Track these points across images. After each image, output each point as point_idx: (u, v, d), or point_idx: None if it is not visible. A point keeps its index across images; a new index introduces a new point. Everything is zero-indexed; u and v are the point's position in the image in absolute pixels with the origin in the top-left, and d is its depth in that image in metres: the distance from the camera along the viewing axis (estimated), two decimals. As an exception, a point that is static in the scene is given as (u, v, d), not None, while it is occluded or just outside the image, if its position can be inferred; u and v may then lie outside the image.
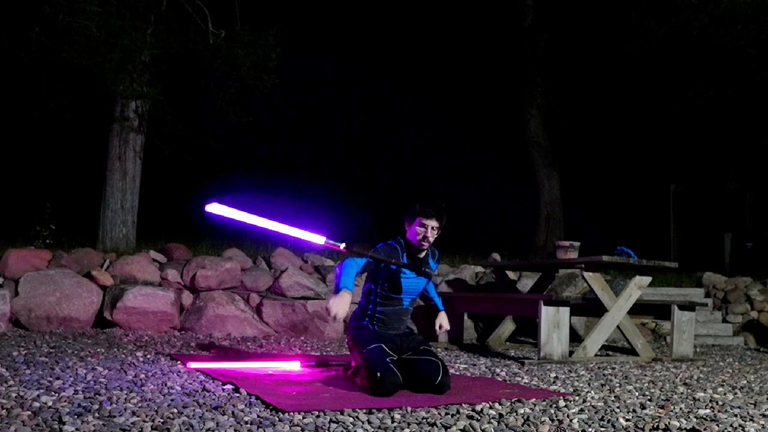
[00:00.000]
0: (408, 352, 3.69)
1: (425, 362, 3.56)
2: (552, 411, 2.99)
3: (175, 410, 2.77)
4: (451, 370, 4.53)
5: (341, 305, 3.39)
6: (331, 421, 2.67)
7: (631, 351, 5.77)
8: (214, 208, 3.46)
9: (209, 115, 8.89)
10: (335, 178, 13.63)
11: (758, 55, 9.40)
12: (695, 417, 3.00)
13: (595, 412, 3.02)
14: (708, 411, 3.15)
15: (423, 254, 3.80)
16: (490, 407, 3.04)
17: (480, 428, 2.64)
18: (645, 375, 4.56)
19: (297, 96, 12.25)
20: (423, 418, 2.79)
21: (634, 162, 13.62)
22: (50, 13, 7.43)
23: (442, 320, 4.06)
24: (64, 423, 2.48)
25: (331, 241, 3.56)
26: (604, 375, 4.49)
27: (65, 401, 2.87)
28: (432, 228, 3.69)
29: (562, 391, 3.70)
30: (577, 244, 6.57)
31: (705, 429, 2.75)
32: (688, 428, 2.76)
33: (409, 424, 2.68)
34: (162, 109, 8.37)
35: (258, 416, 2.72)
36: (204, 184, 11.74)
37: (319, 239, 3.57)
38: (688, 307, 5.82)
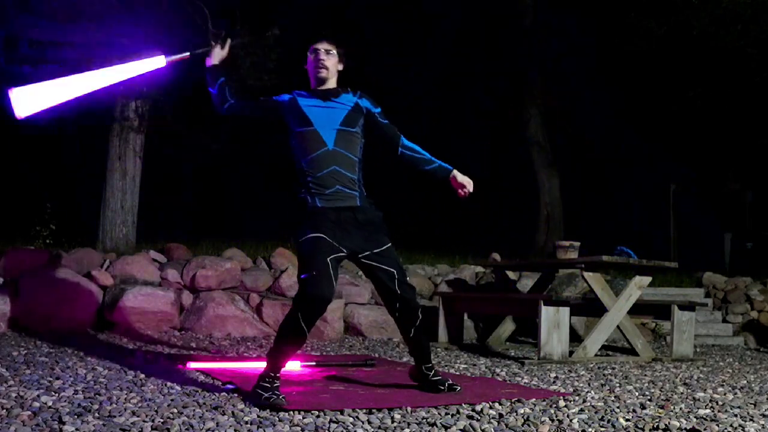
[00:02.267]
0: (365, 252, 3.22)
1: (384, 272, 3.21)
2: (552, 411, 2.99)
3: (175, 410, 2.77)
4: (451, 370, 4.53)
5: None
6: (331, 421, 2.68)
7: (631, 351, 5.77)
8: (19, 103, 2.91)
9: (209, 115, 8.87)
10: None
11: (758, 55, 9.40)
12: (695, 417, 3.00)
13: (595, 412, 3.02)
14: (708, 411, 3.15)
15: (333, 90, 3.28)
16: (490, 407, 3.04)
17: (480, 428, 2.64)
18: (645, 375, 4.56)
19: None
20: (423, 418, 2.79)
21: (634, 162, 13.62)
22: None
23: (462, 179, 3.43)
24: (64, 423, 2.49)
25: (173, 57, 3.23)
26: (604, 375, 4.49)
27: (65, 401, 2.87)
28: (325, 50, 3.21)
29: (562, 391, 3.70)
30: (577, 244, 6.57)
31: (705, 429, 2.75)
32: (688, 428, 2.76)
33: (409, 424, 2.68)
34: (162, 109, 8.36)
35: (258, 416, 2.73)
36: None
37: (159, 61, 3.21)
38: (688, 307, 5.82)
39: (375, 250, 3.26)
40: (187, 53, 3.23)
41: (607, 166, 13.83)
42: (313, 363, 4.40)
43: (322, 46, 3.24)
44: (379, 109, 3.40)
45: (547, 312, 5.15)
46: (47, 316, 5.95)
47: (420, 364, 3.49)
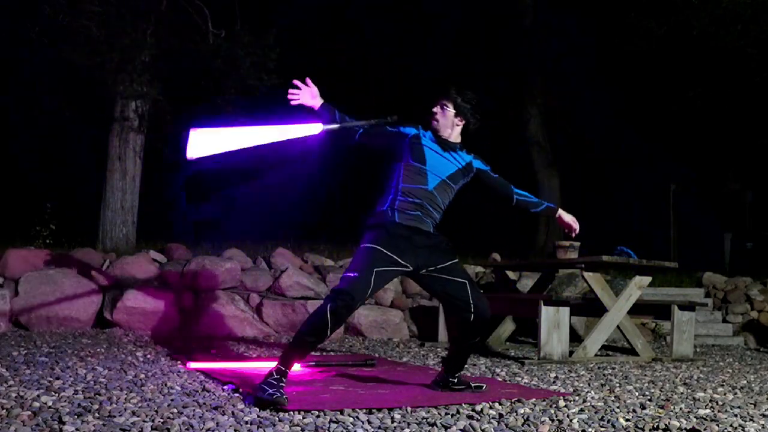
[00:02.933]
0: (430, 267, 3.34)
1: (455, 283, 3.33)
2: (552, 411, 2.99)
3: (175, 410, 2.77)
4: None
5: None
6: (331, 421, 2.68)
7: (631, 351, 5.77)
8: (193, 148, 3.09)
9: (209, 115, 8.89)
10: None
11: (758, 55, 9.40)
12: (695, 417, 3.00)
13: (595, 412, 3.02)
14: (708, 411, 3.15)
15: (454, 144, 3.52)
16: (490, 407, 3.04)
17: (480, 428, 2.64)
18: (645, 375, 4.56)
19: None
20: (423, 418, 2.79)
21: (634, 162, 13.61)
22: (50, 13, 7.43)
23: (568, 219, 3.66)
24: (64, 423, 2.49)
25: (328, 126, 3.31)
26: (604, 375, 4.49)
27: (65, 401, 2.87)
28: (441, 106, 3.48)
29: (562, 391, 3.70)
30: (577, 244, 6.56)
31: (705, 429, 2.75)
32: (688, 428, 2.76)
33: (409, 424, 2.68)
34: (162, 109, 8.37)
35: (258, 416, 2.73)
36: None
37: (314, 128, 3.31)
38: (688, 307, 5.82)
39: (441, 265, 3.36)
40: (337, 125, 3.36)
41: (607, 166, 13.81)
42: (313, 363, 4.40)
43: (440, 101, 3.50)
44: (488, 167, 3.66)
45: (547, 312, 5.15)
46: (47, 316, 5.95)
47: (449, 373, 3.55)
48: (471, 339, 3.44)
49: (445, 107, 3.49)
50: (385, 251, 3.22)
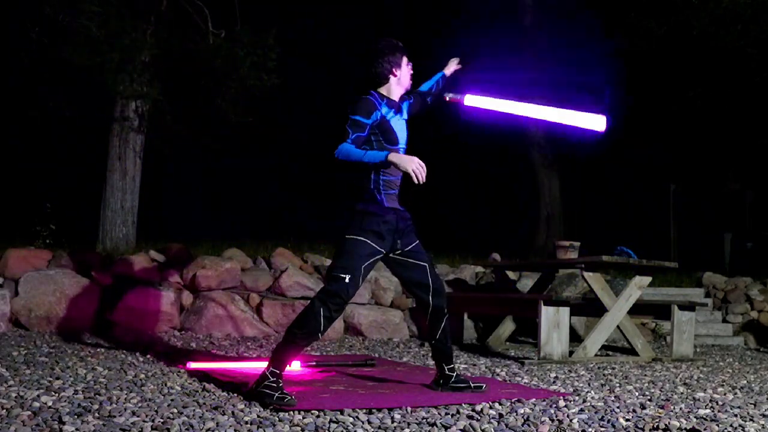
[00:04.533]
0: (397, 250, 3.35)
1: (417, 266, 3.37)
2: (552, 411, 2.99)
3: (175, 410, 2.77)
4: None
5: (409, 158, 3.02)
6: (331, 421, 2.68)
7: (631, 351, 5.77)
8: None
9: (209, 115, 8.89)
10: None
11: (758, 55, 9.40)
12: (695, 417, 3.00)
13: (595, 412, 3.02)
14: (708, 411, 3.15)
15: (400, 99, 3.42)
16: (490, 407, 3.04)
17: (480, 428, 2.64)
18: (645, 375, 4.56)
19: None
20: (423, 418, 2.79)
21: (634, 162, 13.61)
22: (50, 13, 7.42)
23: (452, 66, 3.85)
24: (64, 423, 2.49)
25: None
26: (604, 375, 4.49)
27: (65, 401, 2.87)
28: (407, 65, 3.40)
29: (562, 391, 3.70)
30: (577, 244, 6.56)
31: (705, 429, 2.75)
32: (688, 428, 2.76)
33: (409, 424, 2.68)
34: (162, 109, 8.37)
35: (258, 416, 2.73)
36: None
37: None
38: (688, 307, 5.82)
39: (407, 247, 3.38)
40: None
41: (607, 166, 13.81)
42: (313, 363, 4.40)
43: (404, 58, 3.39)
44: (411, 99, 3.61)
45: (547, 312, 5.15)
46: (47, 316, 5.95)
47: (442, 364, 3.54)
48: (437, 324, 3.44)
49: (407, 62, 3.41)
50: (372, 243, 3.21)
